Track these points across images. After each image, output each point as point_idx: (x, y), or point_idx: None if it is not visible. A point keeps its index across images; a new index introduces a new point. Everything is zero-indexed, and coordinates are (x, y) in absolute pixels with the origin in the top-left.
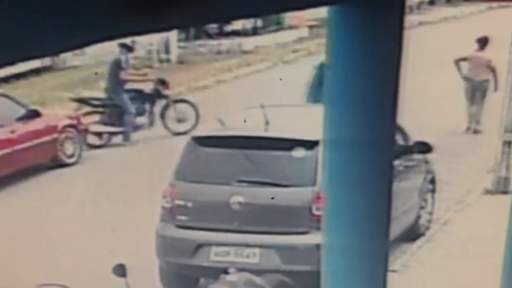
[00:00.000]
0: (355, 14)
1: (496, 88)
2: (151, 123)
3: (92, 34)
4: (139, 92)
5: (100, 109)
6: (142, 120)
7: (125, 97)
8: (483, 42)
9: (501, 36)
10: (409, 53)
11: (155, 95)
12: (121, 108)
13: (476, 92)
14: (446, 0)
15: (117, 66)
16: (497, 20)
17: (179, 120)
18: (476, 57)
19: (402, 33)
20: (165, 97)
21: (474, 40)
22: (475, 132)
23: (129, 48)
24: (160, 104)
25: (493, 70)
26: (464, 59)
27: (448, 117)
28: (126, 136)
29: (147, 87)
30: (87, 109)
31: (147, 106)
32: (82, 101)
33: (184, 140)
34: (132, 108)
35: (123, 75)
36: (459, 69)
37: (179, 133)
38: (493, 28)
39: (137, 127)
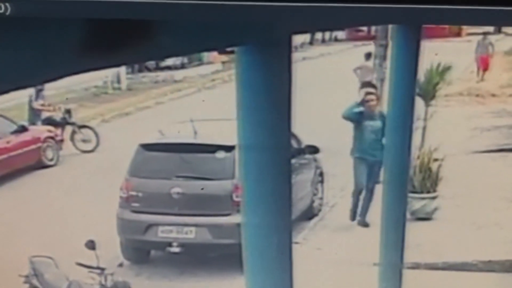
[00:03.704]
0: (256, 52)
1: None
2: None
3: (60, 70)
4: (51, 119)
5: None
6: None
7: (40, 123)
8: (368, 55)
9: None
10: (298, 80)
11: (64, 122)
12: None
13: None
14: (321, 41)
15: (32, 101)
16: (361, 54)
17: (84, 141)
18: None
19: (291, 65)
20: (72, 123)
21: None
22: None
23: (41, 90)
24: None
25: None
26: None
27: (332, 125)
28: None
29: (58, 116)
30: None
31: (58, 131)
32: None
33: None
34: None
35: (36, 106)
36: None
37: (86, 151)
38: (358, 59)
39: None
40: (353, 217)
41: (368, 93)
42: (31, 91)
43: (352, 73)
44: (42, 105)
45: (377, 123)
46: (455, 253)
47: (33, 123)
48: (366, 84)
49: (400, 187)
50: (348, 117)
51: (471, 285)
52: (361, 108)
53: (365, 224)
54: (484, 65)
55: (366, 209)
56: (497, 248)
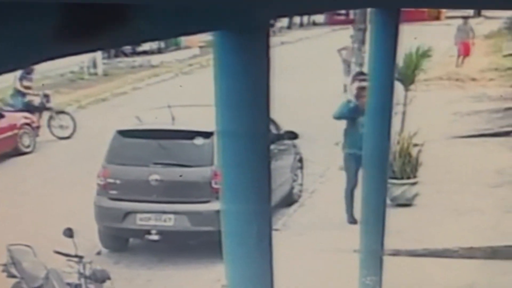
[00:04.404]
0: (234, 36)
1: None
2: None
3: (35, 56)
4: (30, 104)
5: None
6: None
7: (22, 104)
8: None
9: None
10: (276, 65)
11: (42, 107)
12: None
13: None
14: (299, 25)
15: (17, 80)
16: (340, 38)
17: (61, 127)
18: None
19: (269, 50)
20: (49, 109)
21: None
22: None
23: (28, 72)
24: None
25: None
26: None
27: (311, 110)
28: None
29: (36, 101)
30: None
31: (36, 116)
32: None
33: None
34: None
35: (19, 87)
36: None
37: (63, 137)
38: (336, 43)
39: None
40: (351, 219)
41: (363, 88)
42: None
43: (331, 58)
44: (26, 87)
45: None
46: (436, 239)
47: (13, 104)
48: (360, 78)
49: (380, 173)
50: (341, 117)
51: (452, 272)
52: (356, 102)
53: (353, 221)
54: (465, 51)
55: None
56: (479, 235)
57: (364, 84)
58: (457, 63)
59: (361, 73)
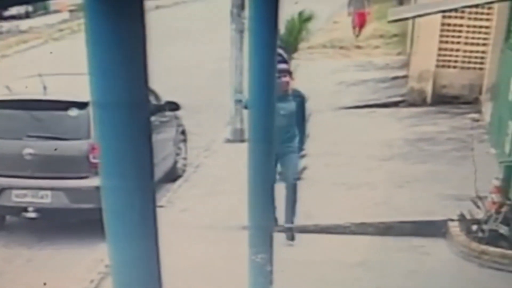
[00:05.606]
0: (105, 0)
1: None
2: None
3: None
4: None
5: None
6: None
7: None
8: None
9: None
10: (152, 30)
11: None
12: None
13: None
14: None
15: None
16: (219, 2)
17: None
18: None
19: (144, 14)
20: None
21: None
22: None
23: None
24: None
25: None
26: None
27: (192, 79)
28: None
29: None
30: None
31: None
32: None
33: None
34: None
35: None
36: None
37: None
38: (215, 7)
39: None
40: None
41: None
42: None
43: (212, 23)
44: None
45: (291, 105)
46: (326, 215)
47: None
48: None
49: (266, 146)
50: None
51: (344, 249)
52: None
53: (292, 237)
54: (361, 21)
55: (293, 211)
56: (370, 210)
57: (280, 66)
58: (354, 33)
59: (278, 54)
